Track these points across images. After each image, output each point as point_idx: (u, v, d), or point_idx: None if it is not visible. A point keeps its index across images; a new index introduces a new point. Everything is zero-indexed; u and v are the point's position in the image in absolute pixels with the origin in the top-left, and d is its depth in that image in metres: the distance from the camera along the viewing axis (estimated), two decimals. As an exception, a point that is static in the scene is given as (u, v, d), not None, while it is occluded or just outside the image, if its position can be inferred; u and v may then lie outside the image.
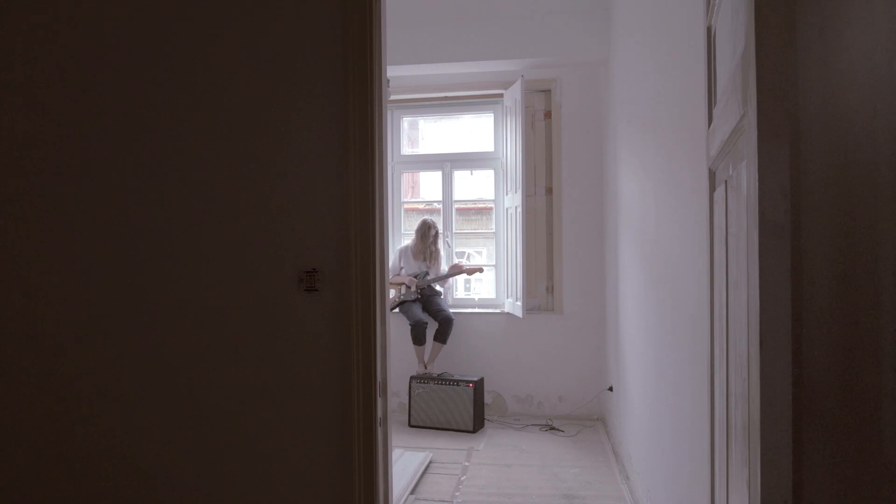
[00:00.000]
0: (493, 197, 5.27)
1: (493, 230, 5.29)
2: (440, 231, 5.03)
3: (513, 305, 4.85)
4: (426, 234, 4.94)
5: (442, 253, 5.08)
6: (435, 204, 5.64)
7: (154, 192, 2.14)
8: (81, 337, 2.16)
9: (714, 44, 1.53)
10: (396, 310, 4.95)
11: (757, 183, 0.95)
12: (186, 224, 2.12)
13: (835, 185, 0.93)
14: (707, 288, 1.60)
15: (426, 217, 5.09)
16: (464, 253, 6.48)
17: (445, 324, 4.83)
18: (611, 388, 4.37)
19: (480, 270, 5.10)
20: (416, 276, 4.97)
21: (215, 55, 2.11)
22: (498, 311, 5.07)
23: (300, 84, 2.08)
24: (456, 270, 5.02)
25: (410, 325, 4.81)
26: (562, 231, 4.93)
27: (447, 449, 4.12)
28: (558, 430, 4.51)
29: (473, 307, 5.21)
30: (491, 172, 5.28)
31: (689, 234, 1.96)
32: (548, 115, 4.99)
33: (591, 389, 4.81)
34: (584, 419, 4.78)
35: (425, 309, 4.91)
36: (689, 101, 1.91)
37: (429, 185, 6.28)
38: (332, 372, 2.06)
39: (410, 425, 4.62)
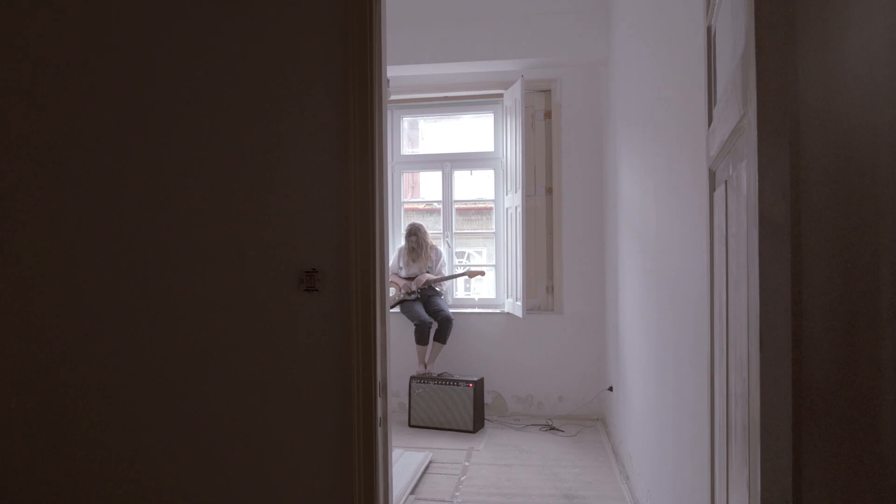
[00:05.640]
0: (493, 197, 5.27)
1: (493, 230, 5.29)
2: (423, 229, 5.02)
3: (513, 305, 4.85)
4: (408, 239, 5.00)
5: (436, 252, 5.08)
6: (435, 204, 5.64)
7: (153, 192, 2.13)
8: (80, 338, 2.16)
9: (714, 44, 1.53)
10: (396, 308, 4.95)
11: (757, 183, 0.95)
12: (185, 224, 2.12)
13: (835, 185, 0.93)
14: (707, 288, 1.60)
15: (412, 222, 5.10)
16: (464, 253, 6.48)
17: (445, 324, 4.83)
18: (611, 388, 4.37)
19: (482, 274, 5.10)
20: (410, 279, 4.99)
21: (215, 55, 2.11)
22: (498, 311, 5.07)
23: (300, 84, 2.08)
24: (461, 273, 5.05)
25: (415, 325, 4.82)
26: (562, 231, 4.93)
27: (447, 449, 4.12)
28: (558, 430, 4.51)
29: (473, 307, 5.21)
30: (491, 172, 5.28)
31: (689, 234, 1.96)
32: (548, 115, 4.99)
33: (591, 389, 4.81)
34: (584, 419, 4.78)
35: (425, 308, 4.92)
36: (689, 101, 1.91)
37: (429, 185, 6.28)
38: (332, 372, 2.06)
39: (410, 425, 4.62)
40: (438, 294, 5.03)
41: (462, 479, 3.58)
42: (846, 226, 0.92)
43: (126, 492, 2.15)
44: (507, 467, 3.76)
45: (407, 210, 5.68)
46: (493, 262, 5.30)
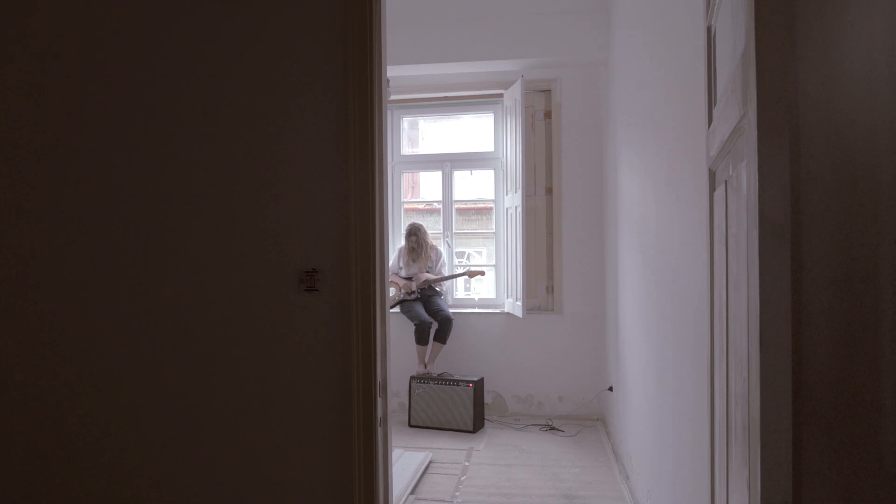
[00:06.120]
0: (493, 197, 5.27)
1: (493, 230, 5.29)
2: (423, 229, 5.02)
3: (513, 305, 4.85)
4: (408, 238, 5.00)
5: (436, 252, 5.08)
6: (435, 204, 5.64)
7: (152, 192, 2.13)
8: (79, 338, 2.16)
9: (714, 44, 1.53)
10: (396, 308, 4.95)
11: (757, 183, 0.95)
12: (185, 225, 2.12)
13: (835, 185, 0.93)
14: (707, 288, 1.60)
15: (412, 222, 5.10)
16: (464, 253, 6.48)
17: (445, 324, 4.83)
18: (611, 388, 4.37)
19: (482, 273, 5.10)
20: (410, 279, 4.99)
21: (214, 55, 2.11)
22: (498, 311, 5.07)
23: (300, 84, 2.08)
24: (461, 273, 5.05)
25: (415, 325, 4.82)
26: (562, 231, 4.93)
27: (447, 449, 4.12)
28: (558, 430, 4.51)
29: (473, 307, 5.21)
30: (491, 172, 5.28)
31: (689, 234, 1.96)
32: (548, 115, 4.99)
33: (591, 389, 4.80)
34: (584, 419, 4.78)
35: (425, 308, 4.92)
36: (689, 101, 1.91)
37: (429, 185, 6.28)
38: (332, 372, 2.06)
39: (410, 425, 4.62)
40: (438, 294, 5.03)
41: (462, 479, 3.58)
42: (846, 226, 0.92)
43: (125, 491, 2.15)
44: (507, 467, 3.76)
45: (407, 210, 5.67)
46: (493, 262, 5.30)
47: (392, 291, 4.98)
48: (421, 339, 4.82)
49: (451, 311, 4.95)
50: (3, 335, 2.19)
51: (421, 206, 6.57)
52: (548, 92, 4.97)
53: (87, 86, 2.16)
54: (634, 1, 3.17)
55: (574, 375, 4.86)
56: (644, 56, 2.92)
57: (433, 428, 4.55)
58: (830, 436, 0.92)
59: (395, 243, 5.23)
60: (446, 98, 5.16)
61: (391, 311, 4.52)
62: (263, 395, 2.10)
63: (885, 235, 0.90)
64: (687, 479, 1.99)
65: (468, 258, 6.61)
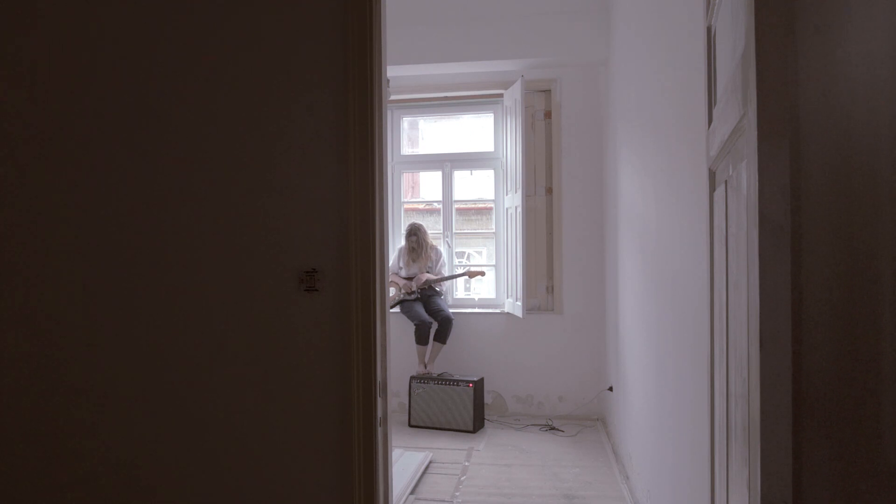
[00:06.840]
0: (493, 197, 5.27)
1: (493, 230, 5.29)
2: (423, 229, 5.02)
3: (513, 305, 4.85)
4: (408, 238, 5.00)
5: (436, 252, 5.08)
6: (435, 204, 5.64)
7: (152, 192, 2.13)
8: (80, 338, 2.16)
9: (714, 44, 1.53)
10: (396, 308, 4.95)
11: (757, 183, 0.95)
12: (185, 225, 2.12)
13: (835, 185, 0.93)
14: (707, 288, 1.60)
15: (412, 222, 5.10)
16: (464, 253, 6.48)
17: (445, 324, 4.83)
18: (611, 388, 4.37)
19: (482, 274, 5.10)
20: (410, 279, 4.99)
21: (214, 55, 2.11)
22: (498, 311, 5.07)
23: (300, 84, 2.08)
24: (461, 274, 5.06)
25: (415, 325, 4.82)
26: (562, 231, 4.93)
27: (447, 449, 4.12)
28: (558, 430, 4.51)
29: (473, 307, 5.21)
30: (491, 172, 5.28)
31: (689, 234, 1.96)
32: (548, 115, 4.99)
33: (591, 389, 4.81)
34: (584, 419, 4.78)
35: (425, 308, 4.92)
36: (689, 101, 1.91)
37: (429, 185, 6.28)
38: (332, 372, 2.06)
39: (410, 425, 4.62)
40: (438, 294, 5.03)
41: (462, 479, 3.58)
42: (846, 226, 0.92)
43: (125, 492, 2.15)
44: (507, 467, 3.76)
45: (407, 210, 5.67)
46: (493, 262, 5.30)
47: (392, 291, 4.98)
48: (421, 339, 4.82)
49: (451, 311, 4.95)
50: (4, 334, 2.19)
51: (421, 206, 6.58)
52: (548, 92, 4.97)
53: (87, 86, 2.16)
54: (634, 1, 3.17)
55: (574, 375, 4.86)
56: (644, 56, 2.92)
57: (433, 428, 4.55)
58: (830, 436, 0.92)
59: (395, 243, 5.23)
60: (446, 98, 5.16)
61: (391, 311, 4.52)
62: (263, 394, 2.10)
63: (885, 235, 0.90)
64: (687, 479, 1.99)
65: (468, 258, 6.62)
